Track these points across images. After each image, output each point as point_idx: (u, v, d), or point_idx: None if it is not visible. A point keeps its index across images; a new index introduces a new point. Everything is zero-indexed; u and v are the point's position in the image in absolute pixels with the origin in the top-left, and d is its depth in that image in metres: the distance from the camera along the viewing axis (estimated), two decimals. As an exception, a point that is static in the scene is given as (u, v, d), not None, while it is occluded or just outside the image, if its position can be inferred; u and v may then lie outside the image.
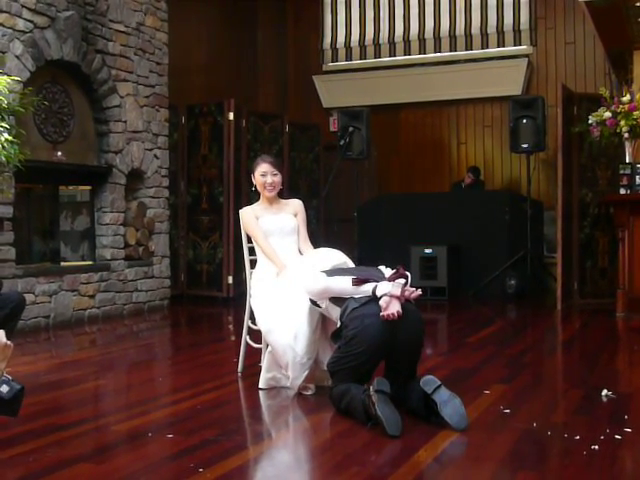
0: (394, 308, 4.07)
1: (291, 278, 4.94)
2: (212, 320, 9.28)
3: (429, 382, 3.99)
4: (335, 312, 4.42)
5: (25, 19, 7.57)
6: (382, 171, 12.79)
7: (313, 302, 4.62)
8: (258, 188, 5.33)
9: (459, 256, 10.57)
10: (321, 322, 4.82)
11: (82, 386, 5.25)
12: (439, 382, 3.99)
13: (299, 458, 3.79)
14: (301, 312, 4.76)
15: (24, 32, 7.55)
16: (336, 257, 4.79)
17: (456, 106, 12.57)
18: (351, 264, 4.83)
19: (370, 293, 4.23)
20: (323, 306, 4.54)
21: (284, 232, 5.26)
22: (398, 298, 4.11)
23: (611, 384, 4.92)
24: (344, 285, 4.36)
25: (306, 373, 4.75)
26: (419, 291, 4.27)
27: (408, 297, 4.18)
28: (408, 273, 4.34)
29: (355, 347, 4.15)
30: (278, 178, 5.30)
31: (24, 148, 6.69)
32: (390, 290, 4.13)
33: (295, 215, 5.36)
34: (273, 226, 5.25)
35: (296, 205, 5.43)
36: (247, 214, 5.33)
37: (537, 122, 10.22)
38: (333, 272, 4.50)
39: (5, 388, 4.24)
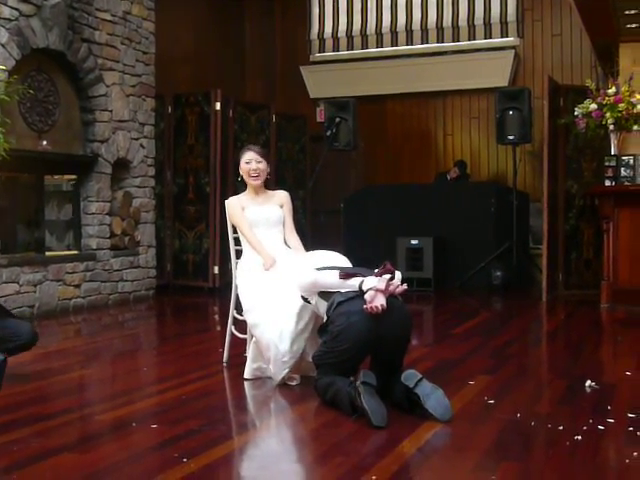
0: (378, 301, 4.08)
1: (281, 273, 4.94)
2: (198, 310, 9.27)
3: (410, 376, 4.00)
4: (323, 307, 4.42)
5: (11, 7, 7.52)
6: (369, 162, 12.78)
7: (304, 299, 4.62)
8: (244, 177, 5.32)
9: (445, 247, 10.57)
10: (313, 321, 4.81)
11: (67, 376, 5.25)
12: (420, 375, 4.00)
13: (284, 448, 3.80)
14: (289, 310, 4.75)
15: (10, 20, 7.50)
16: (334, 258, 4.76)
17: (443, 97, 12.57)
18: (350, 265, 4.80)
19: (357, 287, 4.24)
20: (313, 302, 4.54)
21: (270, 223, 5.26)
22: (383, 292, 4.12)
23: (595, 375, 4.95)
24: (331, 279, 4.37)
25: (286, 371, 4.75)
26: (404, 286, 4.27)
27: (393, 292, 4.18)
28: (399, 273, 4.35)
29: (340, 343, 4.16)
30: (263, 165, 5.29)
31: (9, 137, 6.66)
32: (375, 284, 4.14)
33: (281, 206, 5.36)
34: (259, 217, 5.25)
35: (282, 196, 5.42)
36: (233, 204, 5.32)
37: (523, 114, 10.24)
38: (322, 268, 4.51)
39: None
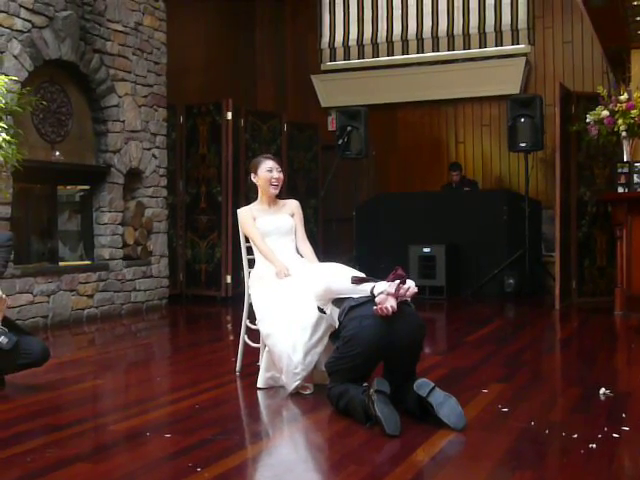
0: (388, 303, 4.08)
1: (295, 282, 4.94)
2: (210, 319, 9.28)
3: (423, 385, 3.99)
4: (337, 315, 4.42)
5: (23, 19, 7.56)
6: (380, 170, 12.78)
7: (320, 310, 4.62)
8: (261, 185, 5.32)
9: (457, 255, 10.56)
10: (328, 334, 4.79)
11: (80, 386, 5.26)
12: (432, 384, 3.99)
13: (297, 457, 3.79)
14: (304, 321, 4.74)
15: (22, 32, 7.55)
16: (347, 270, 4.75)
17: (454, 105, 12.56)
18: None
19: (368, 292, 4.24)
20: (328, 312, 4.54)
21: (281, 232, 5.27)
22: (393, 295, 4.11)
23: (609, 383, 4.93)
24: (343, 284, 4.38)
25: (298, 382, 4.73)
26: (415, 289, 4.26)
27: (404, 295, 4.17)
28: (412, 282, 4.34)
29: (352, 348, 4.15)
30: (282, 175, 5.33)
31: (22, 148, 6.70)
32: (386, 288, 4.14)
33: (292, 215, 5.37)
34: (270, 226, 5.26)
35: (293, 205, 5.44)
36: (244, 215, 5.33)
37: (535, 121, 10.23)
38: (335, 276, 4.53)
39: (4, 339, 4.31)
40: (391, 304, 4.08)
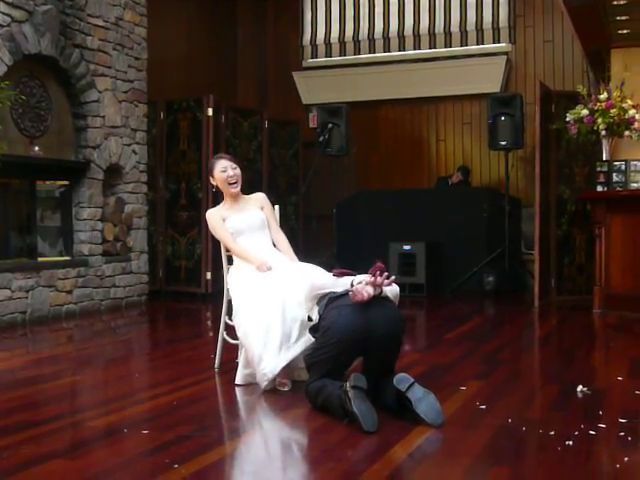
0: (365, 290, 4.09)
1: (274, 278, 4.93)
2: (190, 316, 9.25)
3: (402, 380, 3.99)
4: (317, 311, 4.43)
5: (2, 13, 7.50)
6: (361, 167, 12.79)
7: (309, 318, 4.60)
8: (220, 186, 5.31)
9: (438, 253, 10.59)
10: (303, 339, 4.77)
11: (58, 382, 5.23)
12: (412, 379, 4.00)
13: (275, 454, 3.79)
14: (280, 324, 4.70)
15: (1, 26, 7.49)
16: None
17: (435, 103, 12.59)
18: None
19: (349, 285, 4.26)
20: (314, 317, 4.51)
21: (253, 228, 5.25)
22: (372, 283, 4.12)
23: (587, 380, 4.96)
24: (326, 278, 4.45)
25: (265, 384, 4.69)
26: (392, 277, 4.26)
27: (382, 282, 4.17)
28: (396, 287, 4.35)
29: (330, 337, 4.15)
30: (238, 171, 5.30)
31: (1, 143, 6.65)
32: (366, 278, 4.16)
33: (261, 208, 5.36)
34: (242, 224, 5.24)
35: (260, 198, 5.42)
36: (213, 217, 5.31)
37: (515, 119, 10.28)
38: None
39: None
40: (367, 290, 4.09)
